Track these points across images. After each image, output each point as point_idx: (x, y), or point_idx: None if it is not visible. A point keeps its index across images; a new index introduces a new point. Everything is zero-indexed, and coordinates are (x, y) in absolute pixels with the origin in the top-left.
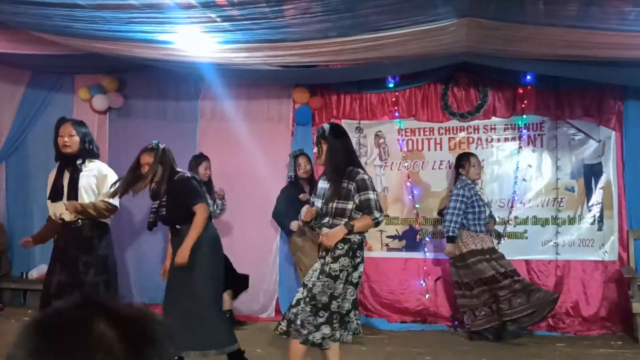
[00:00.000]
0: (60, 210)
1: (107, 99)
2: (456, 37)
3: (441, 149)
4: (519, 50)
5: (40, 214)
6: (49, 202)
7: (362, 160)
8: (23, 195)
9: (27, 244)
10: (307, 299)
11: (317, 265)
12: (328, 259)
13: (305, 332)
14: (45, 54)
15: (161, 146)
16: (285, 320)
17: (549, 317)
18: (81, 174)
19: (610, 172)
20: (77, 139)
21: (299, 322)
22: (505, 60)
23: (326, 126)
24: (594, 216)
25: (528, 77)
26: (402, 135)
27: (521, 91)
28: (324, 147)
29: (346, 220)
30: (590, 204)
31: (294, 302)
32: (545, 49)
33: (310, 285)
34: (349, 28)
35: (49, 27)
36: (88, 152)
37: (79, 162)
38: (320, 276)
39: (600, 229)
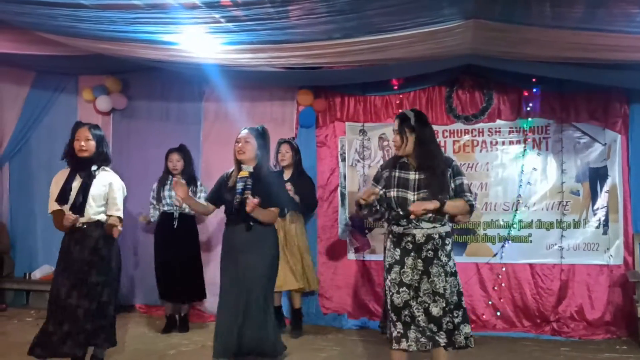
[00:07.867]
0: (66, 212)
1: (110, 100)
2: (461, 39)
3: (445, 151)
4: (525, 52)
5: (43, 214)
6: (54, 203)
7: (366, 162)
8: (26, 195)
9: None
10: (452, 307)
11: (410, 264)
12: (444, 258)
13: (464, 335)
14: (50, 55)
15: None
16: (442, 333)
17: (553, 322)
18: (94, 182)
19: (615, 176)
20: (93, 143)
21: (463, 327)
22: (511, 63)
23: (410, 113)
24: (599, 220)
25: (533, 79)
26: None
27: (526, 94)
28: (410, 136)
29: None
30: (595, 207)
31: (435, 313)
32: (551, 52)
33: (442, 291)
34: (354, 29)
35: (53, 27)
36: (102, 156)
37: (93, 168)
38: (447, 278)
39: (605, 232)
